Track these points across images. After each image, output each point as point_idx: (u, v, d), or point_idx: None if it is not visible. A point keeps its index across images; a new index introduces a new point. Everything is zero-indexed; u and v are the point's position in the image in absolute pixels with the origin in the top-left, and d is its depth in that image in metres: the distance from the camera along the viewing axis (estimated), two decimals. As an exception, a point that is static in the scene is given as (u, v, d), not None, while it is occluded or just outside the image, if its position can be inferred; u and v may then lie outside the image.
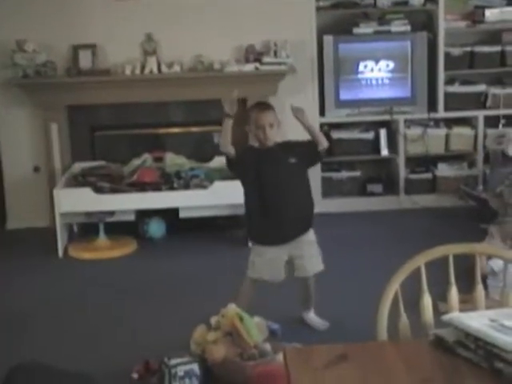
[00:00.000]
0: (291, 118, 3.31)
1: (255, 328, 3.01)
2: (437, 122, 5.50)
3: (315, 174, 5.27)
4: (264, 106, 3.30)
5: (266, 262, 3.27)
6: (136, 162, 5.00)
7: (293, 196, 3.22)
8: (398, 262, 1.85)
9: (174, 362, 2.85)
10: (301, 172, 3.26)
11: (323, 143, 3.28)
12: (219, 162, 5.10)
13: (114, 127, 5.28)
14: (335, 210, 5.35)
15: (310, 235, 3.32)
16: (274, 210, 3.20)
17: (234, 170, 3.31)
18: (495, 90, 5.40)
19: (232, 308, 3.06)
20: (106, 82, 5.05)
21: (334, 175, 5.51)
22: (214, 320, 3.12)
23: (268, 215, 3.21)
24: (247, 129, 3.28)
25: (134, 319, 3.59)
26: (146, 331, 3.43)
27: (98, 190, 4.64)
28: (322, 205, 5.38)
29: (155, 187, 4.72)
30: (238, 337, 2.96)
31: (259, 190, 3.20)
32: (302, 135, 3.31)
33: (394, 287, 1.78)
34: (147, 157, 5.05)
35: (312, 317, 3.44)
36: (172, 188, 4.73)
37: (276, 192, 3.19)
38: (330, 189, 5.49)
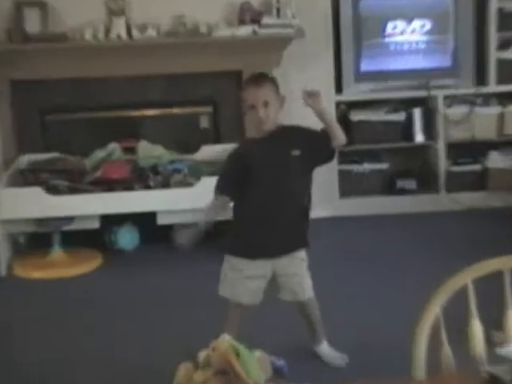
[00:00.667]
0: (299, 100, 3.25)
1: (255, 365, 3.00)
2: (486, 99, 5.50)
3: (330, 168, 5.28)
4: (256, 79, 3.23)
5: (244, 279, 3.27)
6: (100, 153, 4.99)
7: (292, 197, 3.22)
8: (438, 278, 1.84)
9: (151, 409, 2.84)
10: (304, 169, 3.23)
11: (340, 138, 3.22)
12: (208, 152, 5.11)
13: (71, 109, 5.27)
14: (355, 213, 5.34)
15: (304, 254, 3.34)
16: (270, 213, 3.20)
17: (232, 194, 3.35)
18: (562, 56, 5.41)
19: (225, 340, 3.04)
20: (60, 51, 5.04)
21: (355, 168, 5.51)
22: (202, 355, 3.09)
23: (261, 218, 3.21)
24: (243, 113, 3.28)
25: (98, 354, 3.58)
26: (113, 369, 3.42)
27: (52, 189, 4.63)
28: (338, 206, 5.38)
29: (126, 186, 4.72)
30: (234, 376, 2.95)
31: (252, 188, 3.20)
32: (311, 121, 3.27)
33: (434, 310, 1.77)
34: (115, 147, 5.04)
35: (326, 350, 3.43)
36: (147, 187, 4.73)
37: (272, 190, 3.18)
38: (350, 185, 5.49)
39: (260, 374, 3.01)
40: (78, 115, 5.31)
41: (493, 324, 1.99)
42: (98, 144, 5.09)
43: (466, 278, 1.81)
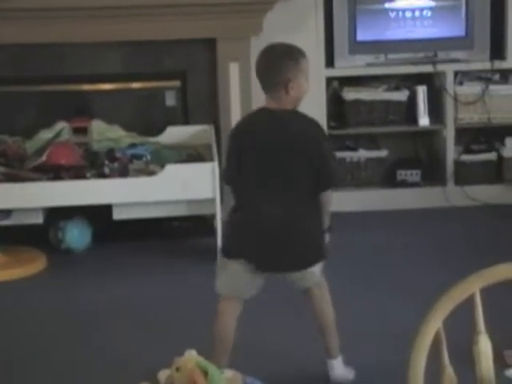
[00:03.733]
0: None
1: (226, 387, 3.01)
2: (505, 75, 5.51)
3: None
4: None
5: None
6: (46, 134, 4.98)
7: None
8: (440, 285, 1.84)
9: None
10: None
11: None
12: (174, 135, 5.10)
13: (10, 80, 5.24)
14: (348, 208, 5.34)
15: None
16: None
17: None
18: None
19: (191, 356, 3.04)
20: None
21: (348, 156, 5.51)
22: (163, 375, 3.11)
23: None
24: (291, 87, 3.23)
25: (39, 377, 3.56)
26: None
27: (-13, 176, 4.62)
28: (329, 200, 5.38)
29: (76, 173, 4.71)
30: (200, 401, 2.95)
31: None
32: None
33: (435, 325, 1.77)
34: (63, 126, 5.03)
35: (337, 368, 3.39)
36: (102, 175, 4.72)
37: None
38: (342, 176, 5.48)
39: (230, 398, 3.01)
40: (18, 88, 5.29)
41: (504, 341, 2.00)
42: (42, 123, 5.09)
43: (474, 286, 1.80)
